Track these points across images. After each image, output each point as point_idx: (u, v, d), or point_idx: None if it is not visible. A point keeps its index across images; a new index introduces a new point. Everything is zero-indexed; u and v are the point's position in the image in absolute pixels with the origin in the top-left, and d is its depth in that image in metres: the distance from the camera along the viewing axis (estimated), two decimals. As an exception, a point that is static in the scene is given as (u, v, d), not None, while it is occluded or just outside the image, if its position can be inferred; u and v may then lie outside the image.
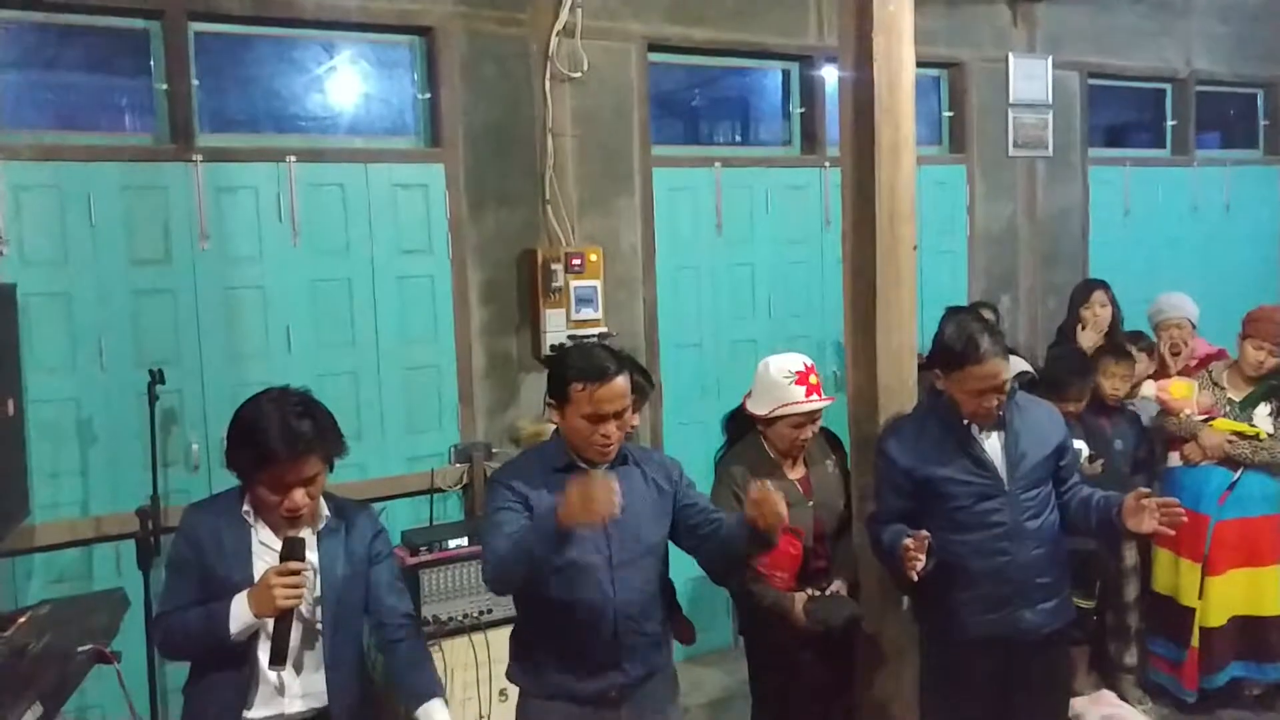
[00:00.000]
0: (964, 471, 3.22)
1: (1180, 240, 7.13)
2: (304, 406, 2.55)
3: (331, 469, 2.63)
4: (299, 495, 2.53)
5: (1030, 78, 6.49)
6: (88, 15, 4.30)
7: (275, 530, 2.60)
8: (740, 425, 3.63)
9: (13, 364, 3.85)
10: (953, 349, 3.16)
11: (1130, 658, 4.78)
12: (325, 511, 2.68)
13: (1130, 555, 4.69)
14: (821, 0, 5.73)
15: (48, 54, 4.41)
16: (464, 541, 4.32)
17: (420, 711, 2.66)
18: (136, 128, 4.58)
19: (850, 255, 3.65)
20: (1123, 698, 4.70)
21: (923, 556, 3.06)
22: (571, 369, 2.77)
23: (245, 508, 2.60)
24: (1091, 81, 6.84)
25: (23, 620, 3.11)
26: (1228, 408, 4.51)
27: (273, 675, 2.57)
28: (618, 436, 2.80)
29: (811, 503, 3.50)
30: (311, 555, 2.60)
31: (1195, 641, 4.48)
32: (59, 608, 3.25)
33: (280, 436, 2.46)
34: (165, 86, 4.37)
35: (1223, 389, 4.55)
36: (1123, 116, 7.59)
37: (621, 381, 2.76)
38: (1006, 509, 3.21)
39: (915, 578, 3.09)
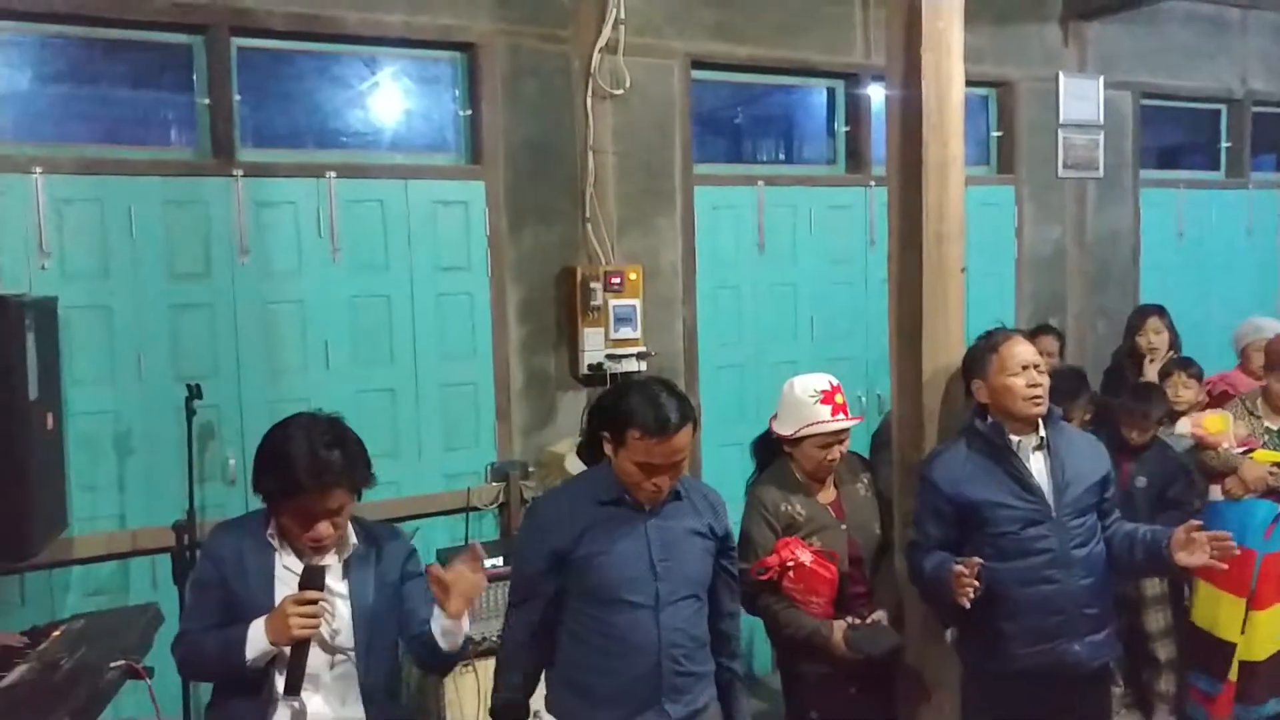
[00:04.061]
0: (1010, 496, 3.14)
1: (1234, 264, 6.99)
2: (334, 435, 2.50)
3: (359, 499, 2.58)
4: (323, 527, 2.49)
5: (1081, 98, 6.39)
6: (131, 30, 4.31)
7: (300, 556, 2.56)
8: (769, 449, 3.56)
9: (53, 378, 3.85)
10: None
11: (1165, 685, 4.69)
12: (353, 539, 2.63)
13: (1153, 585, 4.59)
14: (868, 18, 5.67)
15: (91, 68, 4.44)
16: (499, 561, 4.27)
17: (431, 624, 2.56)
18: (178, 142, 4.59)
19: (896, 276, 3.58)
20: None
21: (976, 582, 2.97)
22: (635, 415, 2.63)
23: (270, 531, 2.56)
24: (1144, 102, 6.73)
25: (56, 634, 3.10)
26: (1266, 437, 4.40)
27: (291, 702, 2.52)
28: (670, 485, 2.73)
29: (844, 525, 3.42)
30: (339, 584, 2.57)
31: (1233, 675, 4.37)
32: (93, 622, 3.23)
33: (307, 469, 2.42)
34: (207, 101, 4.38)
35: (1259, 418, 4.44)
36: (1176, 138, 7.47)
37: (683, 436, 2.64)
38: (1054, 535, 3.12)
39: (967, 604, 2.99)
